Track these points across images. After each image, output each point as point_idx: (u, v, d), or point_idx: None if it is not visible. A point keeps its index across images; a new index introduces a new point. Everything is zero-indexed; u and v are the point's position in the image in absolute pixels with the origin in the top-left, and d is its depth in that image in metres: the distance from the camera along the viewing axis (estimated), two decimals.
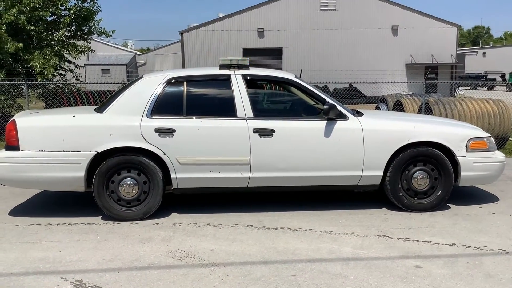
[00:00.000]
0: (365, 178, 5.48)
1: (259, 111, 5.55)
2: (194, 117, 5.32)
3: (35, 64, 12.06)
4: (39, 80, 12.43)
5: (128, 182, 5.27)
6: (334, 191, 6.24)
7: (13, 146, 5.19)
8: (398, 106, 12.33)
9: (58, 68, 13.76)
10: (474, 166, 5.58)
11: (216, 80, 5.60)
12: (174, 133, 5.23)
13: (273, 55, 29.45)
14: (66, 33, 13.76)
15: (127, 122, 5.24)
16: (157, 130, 5.21)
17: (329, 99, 5.53)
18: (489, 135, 5.87)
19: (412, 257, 4.21)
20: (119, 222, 5.21)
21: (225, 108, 5.41)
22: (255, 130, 5.29)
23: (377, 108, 14.93)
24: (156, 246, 4.50)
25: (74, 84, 15.09)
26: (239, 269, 3.97)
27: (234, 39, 29.43)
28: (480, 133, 5.79)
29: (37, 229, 5.03)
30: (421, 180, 5.54)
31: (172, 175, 5.30)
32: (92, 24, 14.35)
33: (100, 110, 5.48)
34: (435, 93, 18.63)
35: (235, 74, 5.54)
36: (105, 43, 49.26)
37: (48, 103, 13.25)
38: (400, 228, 5.00)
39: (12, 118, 5.38)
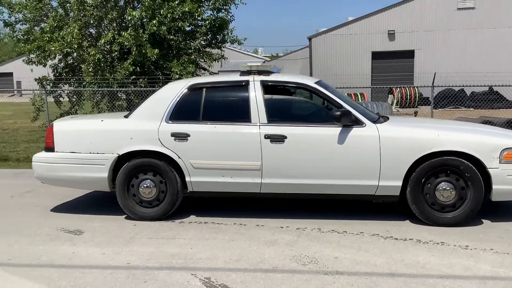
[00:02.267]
0: (383, 188, 5.19)
1: (274, 117, 5.42)
2: (209, 123, 5.44)
3: (175, 70, 12.93)
4: None
5: (147, 184, 5.53)
6: None
7: (50, 147, 5.74)
8: None
9: (194, 75, 14.60)
10: (508, 179, 4.95)
11: (235, 86, 5.66)
12: (188, 137, 5.39)
13: (404, 58, 28.30)
14: (202, 42, 14.54)
15: (146, 126, 5.51)
16: (173, 134, 5.42)
17: (347, 105, 5.33)
18: None
19: None
20: (245, 224, 5.36)
21: (240, 114, 5.44)
22: (267, 136, 5.27)
23: None
24: (280, 250, 4.54)
25: None
26: (364, 279, 3.84)
27: (362, 42, 28.82)
28: None
29: (171, 226, 5.37)
30: (445, 192, 5.10)
31: (187, 179, 5.46)
32: (226, 32, 14.98)
33: (127, 115, 5.87)
34: None
35: (253, 81, 5.55)
36: (237, 51, 51.34)
37: None
38: None
39: (52, 122, 5.94)
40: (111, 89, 12.38)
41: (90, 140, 5.62)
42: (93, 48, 12.02)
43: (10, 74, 53.56)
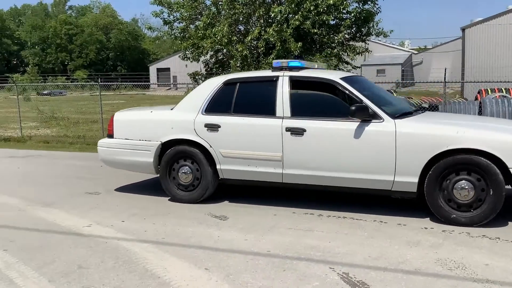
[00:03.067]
0: (398, 184, 5.17)
1: (297, 111, 5.63)
2: (238, 115, 5.83)
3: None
4: None
5: (184, 170, 6.08)
6: None
7: (110, 134, 6.58)
8: None
9: (337, 69, 14.47)
10: None
11: (266, 81, 5.98)
12: (219, 128, 5.86)
13: None
14: (346, 35, 14.34)
15: (185, 117, 6.06)
16: (206, 125, 5.92)
17: (368, 100, 5.32)
18: None
19: None
20: (386, 221, 5.21)
21: (267, 107, 5.75)
22: (288, 129, 5.52)
23: None
24: (423, 251, 4.33)
25: None
26: None
27: None
28: None
29: (309, 218, 5.43)
30: (463, 191, 4.91)
31: (217, 166, 5.94)
32: (371, 25, 14.55)
33: (172, 108, 6.42)
34: None
35: (283, 76, 5.79)
36: (381, 44, 49.77)
37: None
38: None
39: (114, 113, 6.70)
40: None
41: (140, 128, 6.35)
42: (241, 44, 12.56)
43: (168, 69, 58.52)
